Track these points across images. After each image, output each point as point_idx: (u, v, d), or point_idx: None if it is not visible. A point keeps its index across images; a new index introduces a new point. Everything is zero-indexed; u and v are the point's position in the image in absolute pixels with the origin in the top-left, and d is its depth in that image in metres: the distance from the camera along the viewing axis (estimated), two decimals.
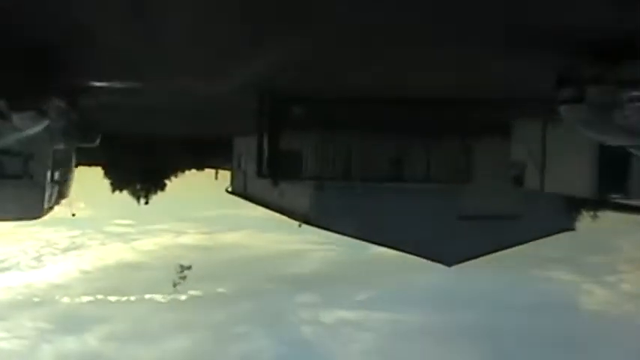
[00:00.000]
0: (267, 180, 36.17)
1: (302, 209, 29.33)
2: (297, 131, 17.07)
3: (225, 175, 51.17)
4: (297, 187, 30.09)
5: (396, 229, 29.20)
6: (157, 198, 55.96)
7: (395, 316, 44.63)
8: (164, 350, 43.15)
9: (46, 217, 24.53)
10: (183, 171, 62.17)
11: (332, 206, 27.78)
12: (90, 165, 53.90)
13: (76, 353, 42.75)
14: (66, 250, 53.28)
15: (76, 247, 53.87)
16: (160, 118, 28.57)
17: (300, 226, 30.36)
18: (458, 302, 40.31)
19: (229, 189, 43.80)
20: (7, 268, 50.21)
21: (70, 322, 44.58)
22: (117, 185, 57.48)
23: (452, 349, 41.67)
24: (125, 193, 57.97)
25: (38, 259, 51.71)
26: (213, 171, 58.63)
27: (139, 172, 55.48)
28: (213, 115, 25.38)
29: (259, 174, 17.40)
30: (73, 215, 42.47)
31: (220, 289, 48.32)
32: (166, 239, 57.32)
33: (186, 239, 56.89)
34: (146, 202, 57.55)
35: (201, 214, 57.68)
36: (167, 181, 59.99)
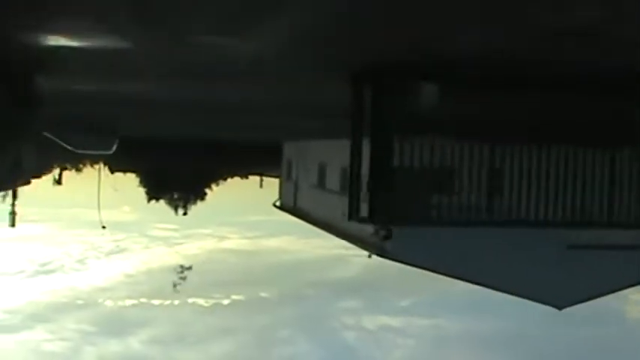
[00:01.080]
0: (326, 195, 31.19)
1: (375, 236, 23.20)
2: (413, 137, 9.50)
3: (271, 184, 54.07)
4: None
5: (492, 265, 23.06)
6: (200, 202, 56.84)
7: (437, 322, 45.26)
8: (207, 354, 43.20)
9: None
10: (225, 178, 60.49)
11: (416, 235, 21.57)
12: (124, 172, 55.90)
13: (119, 356, 42.77)
14: (110, 253, 52.92)
15: (120, 251, 53.38)
16: (197, 118, 23.92)
17: (370, 256, 24.32)
18: (501, 309, 38.08)
19: (277, 203, 38.28)
20: (52, 271, 50.42)
21: (114, 325, 44.77)
22: (152, 194, 55.65)
23: (494, 357, 42.21)
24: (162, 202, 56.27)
25: (82, 262, 51.66)
26: (257, 178, 59.07)
27: (177, 180, 54.35)
28: (260, 111, 19.71)
29: (354, 215, 9.59)
30: (104, 228, 45.06)
31: (263, 294, 48.56)
32: (209, 243, 56.93)
33: (229, 244, 56.98)
34: (184, 213, 55.81)
35: (244, 219, 57.64)
36: (208, 190, 58.06)
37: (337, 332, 45.29)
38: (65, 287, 48.69)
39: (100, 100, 17.79)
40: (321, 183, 31.03)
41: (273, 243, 58.14)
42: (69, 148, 28.78)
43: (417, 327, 46.33)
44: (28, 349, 41.75)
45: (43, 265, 50.40)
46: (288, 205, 36.93)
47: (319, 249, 50.04)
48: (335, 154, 30.02)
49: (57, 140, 26.94)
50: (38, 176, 38.38)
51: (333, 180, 29.23)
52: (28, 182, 31.18)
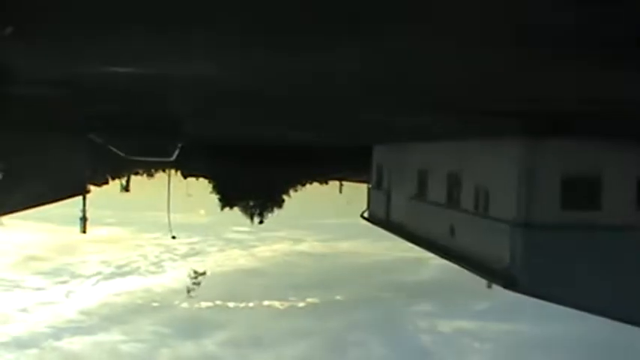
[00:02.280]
0: (429, 208, 26.73)
1: (494, 259, 18.66)
2: None
3: (352, 189, 54.04)
4: (478, 221, 19.74)
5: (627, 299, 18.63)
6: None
7: (515, 326, 43.69)
8: (281, 356, 42.77)
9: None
10: (303, 184, 59.24)
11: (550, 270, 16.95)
12: (197, 177, 56.98)
13: (194, 358, 42.39)
14: (185, 256, 52.93)
15: (196, 253, 53.53)
16: (274, 115, 21.01)
17: (489, 287, 19.70)
18: (582, 314, 36.29)
19: (365, 214, 34.19)
20: (128, 273, 50.36)
21: (189, 327, 44.38)
22: (226, 202, 53.67)
23: None
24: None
25: (158, 264, 51.48)
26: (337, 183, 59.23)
27: (252, 186, 53.09)
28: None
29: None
30: (174, 238, 44.47)
31: (338, 297, 48.24)
32: (284, 246, 57.14)
33: (304, 247, 57.17)
34: (260, 222, 53.58)
35: (320, 222, 58.16)
36: (285, 197, 56.12)
37: (412, 336, 44.86)
38: (141, 289, 48.87)
39: (159, 94, 15.39)
40: (422, 193, 26.32)
41: (348, 246, 58.08)
42: (120, 154, 26.10)
43: (494, 331, 44.96)
44: (104, 350, 41.75)
45: (119, 267, 50.15)
46: (379, 217, 32.59)
47: (394, 252, 48.33)
48: (439, 159, 25.44)
49: (106, 144, 24.09)
50: (100, 183, 37.14)
51: (437, 190, 24.59)
52: (87, 190, 29.58)
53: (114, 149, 26.20)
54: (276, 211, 54.53)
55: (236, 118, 24.21)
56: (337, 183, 59.11)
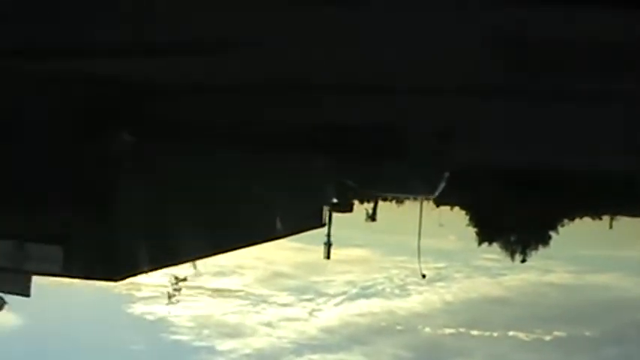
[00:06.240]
0: None
1: None
2: None
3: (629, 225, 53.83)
4: None
5: None
6: None
7: None
8: None
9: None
10: (572, 219, 55.52)
11: None
12: (451, 206, 56.56)
13: None
14: (431, 280, 52.96)
15: (441, 279, 53.69)
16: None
17: None
18: None
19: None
20: (373, 295, 51.57)
21: (430, 353, 45.58)
22: (484, 236, 51.63)
23: None
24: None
25: (403, 287, 52.23)
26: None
27: (514, 219, 50.68)
28: None
29: None
30: (424, 277, 44.63)
31: (587, 332, 47.33)
32: (532, 276, 56.16)
33: (552, 277, 56.04)
34: (523, 260, 50.76)
35: (569, 253, 56.38)
36: (552, 233, 52.76)
37: None
38: (384, 312, 49.66)
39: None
40: None
41: (599, 279, 56.55)
42: (351, 185, 23.26)
43: None
44: None
45: (364, 288, 51.76)
46: None
47: None
48: None
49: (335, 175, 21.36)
50: (343, 210, 36.49)
51: None
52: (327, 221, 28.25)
53: (350, 183, 23.33)
54: (540, 248, 51.56)
55: (500, 138, 21.36)
56: (609, 218, 55.90)
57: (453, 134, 19.53)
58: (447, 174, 22.65)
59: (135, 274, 19.25)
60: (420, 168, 19.92)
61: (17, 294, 19.88)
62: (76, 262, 17.06)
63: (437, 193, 24.04)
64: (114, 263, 17.41)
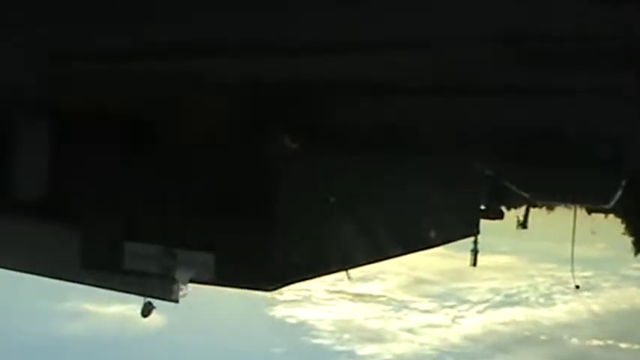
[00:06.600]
0: None
1: None
2: None
3: None
4: None
5: None
6: None
7: None
8: None
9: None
10: None
11: None
12: (605, 213, 50.38)
13: None
14: (578, 289, 51.93)
15: (589, 288, 52.16)
16: None
17: None
18: None
19: None
20: (516, 303, 51.83)
21: None
22: None
23: None
24: None
25: (548, 296, 51.97)
26: None
27: None
28: None
29: None
30: (577, 287, 42.33)
31: None
32: None
33: None
34: None
35: None
36: None
37: None
38: (528, 320, 49.40)
39: None
40: None
41: None
42: (523, 194, 21.88)
43: None
44: None
45: (508, 296, 51.81)
46: None
47: None
48: None
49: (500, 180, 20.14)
50: (493, 217, 35.79)
51: None
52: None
53: (514, 188, 21.87)
54: None
55: None
56: None
57: (623, 140, 17.94)
58: (623, 182, 20.85)
59: (288, 284, 18.49)
60: (594, 176, 18.42)
61: (166, 299, 19.53)
62: (228, 270, 16.51)
63: (612, 203, 22.15)
64: (267, 272, 16.75)
